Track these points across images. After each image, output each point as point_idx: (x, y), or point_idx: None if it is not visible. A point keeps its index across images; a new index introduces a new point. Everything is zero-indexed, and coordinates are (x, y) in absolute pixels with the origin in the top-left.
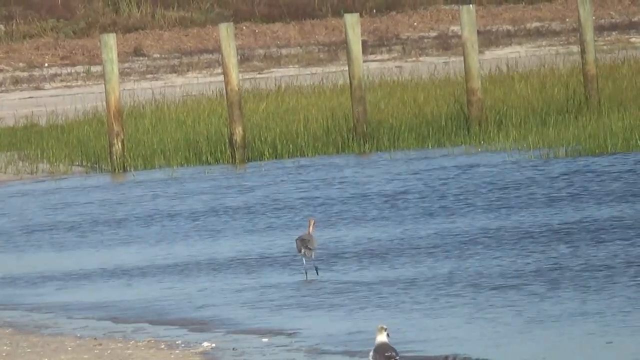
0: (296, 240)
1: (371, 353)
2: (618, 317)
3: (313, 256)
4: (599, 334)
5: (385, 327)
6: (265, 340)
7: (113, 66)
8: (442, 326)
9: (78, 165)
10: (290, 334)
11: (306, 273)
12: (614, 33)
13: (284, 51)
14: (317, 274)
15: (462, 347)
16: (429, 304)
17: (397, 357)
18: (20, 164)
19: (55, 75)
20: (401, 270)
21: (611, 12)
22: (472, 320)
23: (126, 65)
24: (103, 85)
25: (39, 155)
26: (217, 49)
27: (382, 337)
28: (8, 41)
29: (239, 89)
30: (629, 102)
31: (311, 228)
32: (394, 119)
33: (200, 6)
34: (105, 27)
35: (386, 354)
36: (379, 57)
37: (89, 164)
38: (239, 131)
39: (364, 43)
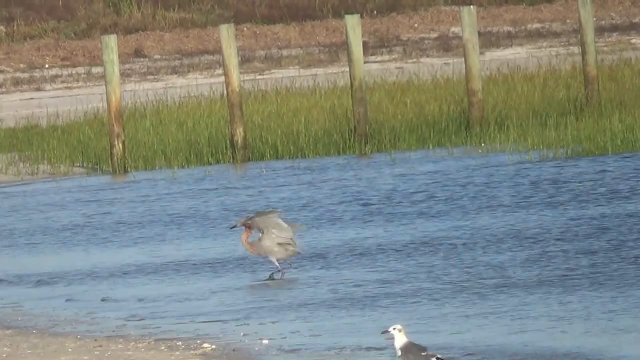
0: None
1: (399, 356)
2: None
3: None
4: None
5: (400, 327)
6: (265, 342)
7: (114, 67)
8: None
9: (79, 166)
10: (291, 335)
11: (280, 273)
12: (614, 34)
13: (284, 52)
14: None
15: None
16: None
17: (439, 356)
18: (21, 165)
19: (56, 76)
20: (403, 271)
21: (612, 14)
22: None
23: (127, 66)
24: (104, 87)
25: (40, 157)
26: (218, 50)
27: (403, 338)
28: (9, 42)
29: (239, 89)
30: (630, 104)
31: None
32: (394, 120)
33: (201, 7)
34: (106, 28)
35: (422, 354)
36: (379, 58)
37: (89, 165)
38: (239, 132)
39: (364, 44)
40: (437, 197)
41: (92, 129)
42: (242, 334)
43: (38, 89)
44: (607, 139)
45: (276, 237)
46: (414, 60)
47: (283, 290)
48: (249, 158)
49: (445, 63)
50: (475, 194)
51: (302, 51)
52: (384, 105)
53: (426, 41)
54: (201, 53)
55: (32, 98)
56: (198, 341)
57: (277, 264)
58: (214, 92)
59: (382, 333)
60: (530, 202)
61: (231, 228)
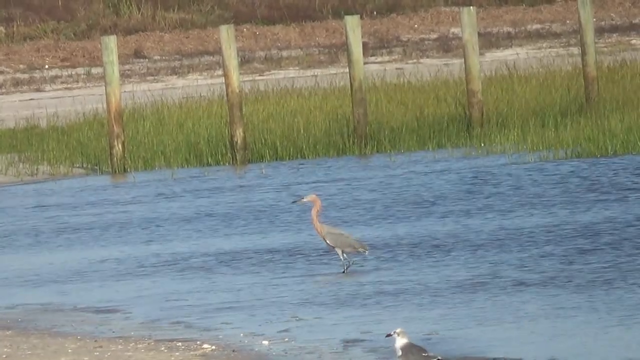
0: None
1: (400, 356)
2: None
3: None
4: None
5: (399, 331)
6: (265, 342)
7: (114, 68)
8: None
9: (78, 167)
10: (291, 336)
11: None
12: (614, 35)
13: (284, 53)
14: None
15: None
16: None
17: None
18: (21, 165)
19: (56, 77)
20: (403, 270)
21: (612, 14)
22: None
23: (127, 67)
24: (103, 87)
25: (40, 157)
26: (218, 51)
27: (404, 339)
28: (8, 43)
29: (239, 90)
30: (630, 104)
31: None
32: (394, 121)
33: (200, 8)
34: (106, 29)
35: (423, 354)
36: (379, 59)
37: (89, 166)
38: (239, 133)
39: (364, 45)
40: (438, 197)
41: (91, 130)
42: (242, 334)
43: (38, 90)
44: (607, 139)
45: (348, 237)
46: (414, 61)
47: (283, 290)
48: (249, 159)
49: (445, 64)
50: (475, 195)
51: (302, 52)
52: (383, 106)
53: (426, 42)
54: (201, 54)
55: (31, 99)
56: (198, 342)
57: (343, 256)
58: (213, 93)
59: (386, 337)
60: (530, 203)
61: (293, 202)
